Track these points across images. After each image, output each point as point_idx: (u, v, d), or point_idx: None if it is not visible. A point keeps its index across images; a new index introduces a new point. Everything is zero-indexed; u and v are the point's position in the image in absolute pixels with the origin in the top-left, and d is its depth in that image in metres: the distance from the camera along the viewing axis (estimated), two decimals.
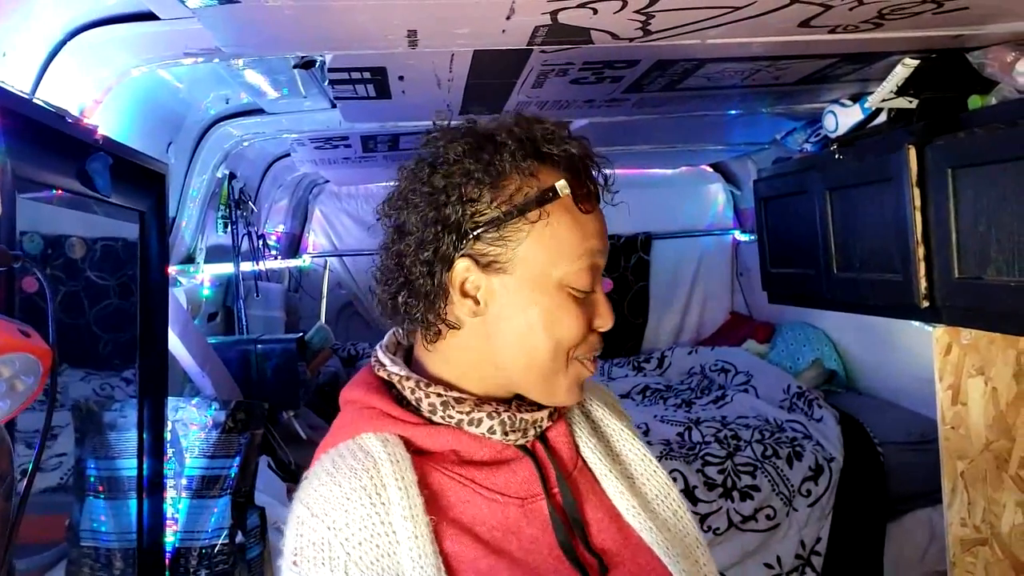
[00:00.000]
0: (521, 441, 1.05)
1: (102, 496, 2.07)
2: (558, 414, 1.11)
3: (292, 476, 3.02)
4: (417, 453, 1.01)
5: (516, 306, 1.02)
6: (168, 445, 2.12)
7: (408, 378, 1.06)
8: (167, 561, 2.11)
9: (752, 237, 5.16)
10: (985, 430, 2.30)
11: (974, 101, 2.18)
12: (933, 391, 2.51)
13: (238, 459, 2.23)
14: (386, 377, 1.09)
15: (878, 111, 2.56)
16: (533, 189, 1.01)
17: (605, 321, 1.05)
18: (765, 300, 3.53)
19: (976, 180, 2.03)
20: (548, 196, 1.00)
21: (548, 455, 1.07)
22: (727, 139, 4.13)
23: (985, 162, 2.00)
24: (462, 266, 1.02)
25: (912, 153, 2.22)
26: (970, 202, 2.06)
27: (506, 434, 1.03)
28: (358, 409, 1.07)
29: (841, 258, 2.74)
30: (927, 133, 2.23)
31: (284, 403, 3.20)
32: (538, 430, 1.07)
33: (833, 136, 2.79)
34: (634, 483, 1.13)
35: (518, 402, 1.08)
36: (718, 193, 5.50)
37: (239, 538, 2.17)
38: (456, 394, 1.04)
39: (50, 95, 1.62)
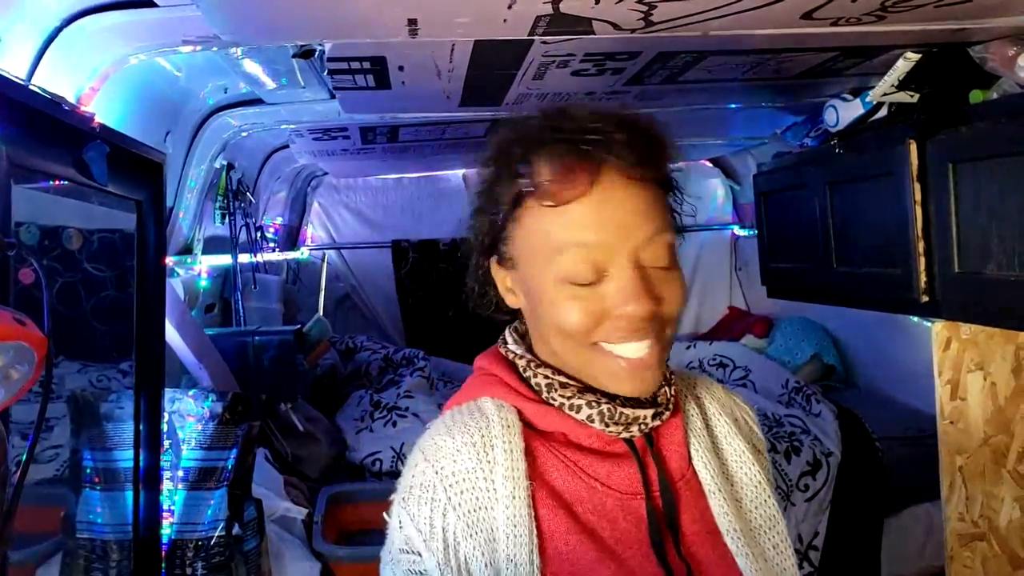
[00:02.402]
0: (624, 435, 1.05)
1: (98, 487, 2.06)
2: (669, 415, 1.11)
3: (289, 468, 3.01)
4: (530, 428, 1.07)
5: (531, 295, 1.07)
6: (165, 436, 2.11)
7: (522, 357, 1.12)
8: (163, 553, 2.10)
9: (751, 232, 5.15)
10: (984, 425, 2.29)
11: (975, 95, 2.17)
12: (931, 386, 2.50)
13: (235, 451, 2.22)
14: (506, 355, 1.16)
15: (879, 105, 2.55)
16: (516, 188, 1.04)
17: (622, 309, 0.97)
18: (764, 295, 3.52)
19: (977, 174, 2.03)
20: (520, 192, 1.03)
21: (655, 459, 1.08)
22: (727, 133, 4.12)
23: (986, 156, 1.99)
24: (495, 269, 1.14)
25: (913, 148, 2.22)
26: (971, 196, 2.05)
27: (606, 425, 1.04)
28: (482, 376, 1.15)
29: (841, 252, 2.73)
30: (928, 127, 2.22)
31: (281, 395, 3.19)
32: (643, 428, 1.06)
33: (834, 130, 2.78)
34: (741, 507, 1.12)
35: (623, 398, 1.06)
36: (717, 188, 5.48)
37: (236, 530, 2.17)
38: (562, 379, 1.07)
39: (46, 82, 1.61)
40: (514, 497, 0.98)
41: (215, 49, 1.99)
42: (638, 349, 0.99)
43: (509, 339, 1.17)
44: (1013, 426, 2.20)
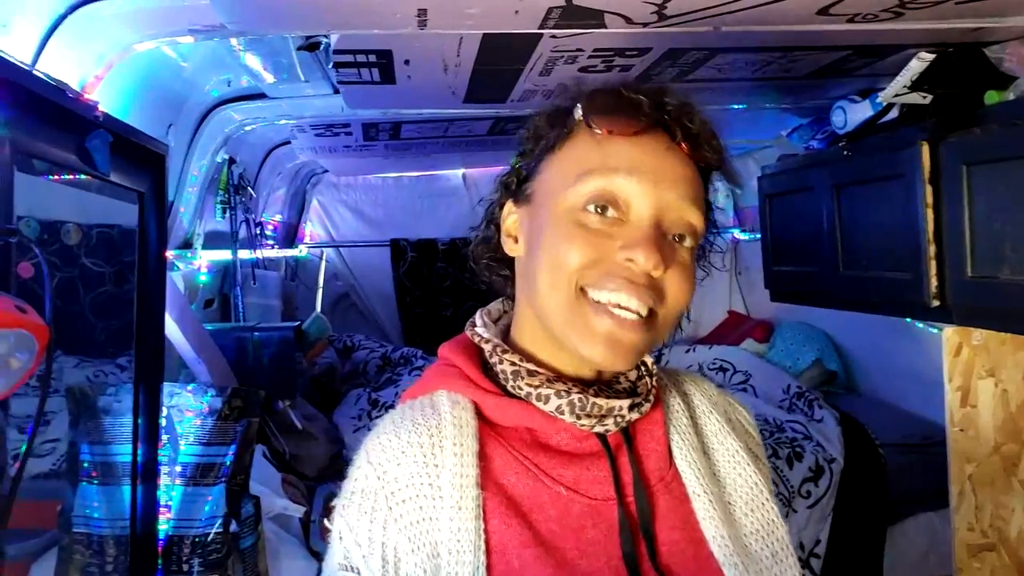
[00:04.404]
0: (598, 428, 0.97)
1: (95, 482, 2.04)
2: (649, 408, 1.03)
3: (287, 466, 2.98)
4: (490, 426, 0.99)
5: (533, 233, 1.01)
6: (163, 431, 2.09)
7: (488, 341, 1.05)
8: (160, 549, 2.07)
9: (752, 236, 5.13)
10: (994, 433, 2.27)
11: (991, 96, 2.15)
12: (935, 393, 2.48)
13: (234, 447, 2.20)
14: (472, 338, 1.09)
15: (888, 107, 2.53)
16: (568, 120, 1.01)
17: (628, 252, 0.91)
18: (764, 299, 3.50)
19: (992, 177, 2.00)
20: (565, 120, 1.01)
21: (630, 460, 1.01)
22: (730, 136, 4.07)
23: (1002, 159, 1.96)
24: (507, 209, 1.08)
25: (925, 149, 2.19)
26: (985, 199, 2.03)
27: (577, 417, 0.96)
28: (442, 365, 1.08)
29: (847, 256, 2.71)
30: (941, 129, 2.20)
31: (280, 392, 3.16)
32: (619, 422, 0.98)
33: (841, 132, 2.76)
34: (732, 511, 1.03)
35: (596, 388, 1.00)
36: (719, 191, 5.43)
37: (233, 527, 2.14)
38: (531, 366, 1.00)
39: (51, 69, 1.58)
40: (460, 508, 0.90)
41: (216, 40, 1.97)
42: (628, 304, 0.92)
43: (479, 321, 1.10)
44: None
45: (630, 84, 1.00)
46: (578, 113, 1.00)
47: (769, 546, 1.01)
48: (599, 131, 0.97)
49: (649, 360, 1.08)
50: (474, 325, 1.10)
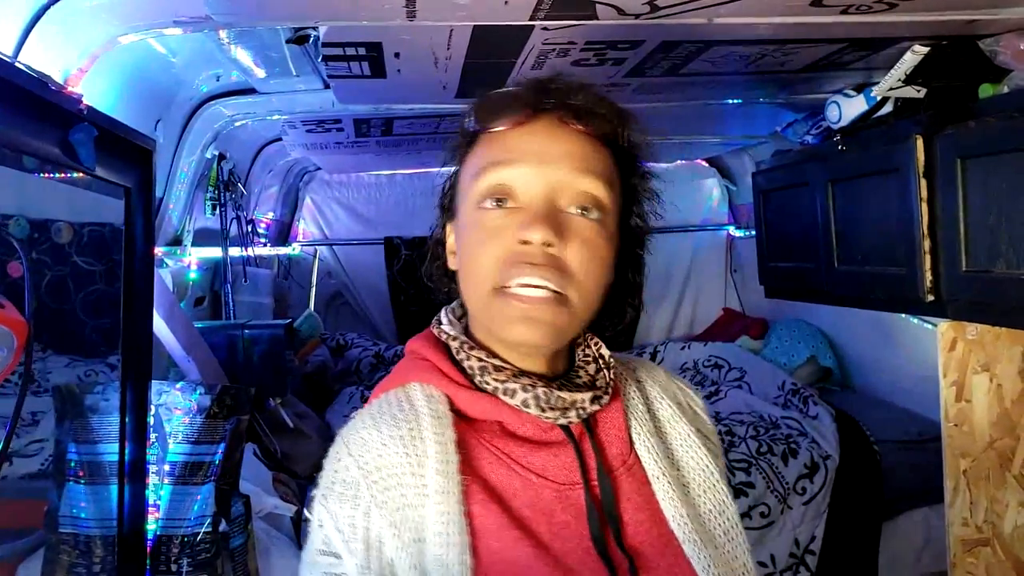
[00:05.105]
0: (562, 420, 1.02)
1: (82, 481, 2.01)
2: (608, 399, 1.07)
3: (278, 464, 2.96)
4: (461, 418, 1.03)
5: (458, 243, 1.09)
6: (151, 430, 2.06)
7: (455, 339, 1.08)
8: (148, 549, 2.05)
9: (747, 233, 5.12)
10: (989, 428, 2.25)
11: (985, 89, 2.14)
12: (929, 389, 2.47)
13: (223, 445, 2.17)
14: (439, 336, 1.12)
15: (882, 102, 2.52)
16: (467, 131, 1.10)
17: (521, 234, 0.96)
18: (759, 296, 3.50)
19: (987, 170, 2.00)
20: (464, 134, 1.09)
21: (593, 446, 1.05)
22: (724, 132, 4.08)
23: (997, 152, 1.96)
24: (448, 229, 1.15)
25: (920, 143, 2.19)
26: (980, 193, 2.02)
27: (542, 410, 1.00)
28: (414, 359, 1.11)
29: (842, 251, 2.70)
30: (935, 123, 2.19)
31: (271, 390, 3.14)
32: (581, 413, 1.03)
33: (836, 127, 2.75)
34: (688, 492, 1.08)
35: (560, 382, 1.05)
36: (713, 188, 5.44)
37: (223, 526, 2.12)
38: (497, 362, 1.04)
39: (34, 60, 1.55)
40: (446, 493, 0.93)
41: (204, 33, 1.95)
42: (532, 283, 0.96)
43: (444, 320, 1.14)
44: (1019, 430, 2.17)
45: (520, 80, 1.07)
46: (470, 122, 1.07)
47: (721, 525, 1.07)
48: (491, 131, 1.04)
49: (606, 353, 1.14)
50: (440, 323, 1.14)
